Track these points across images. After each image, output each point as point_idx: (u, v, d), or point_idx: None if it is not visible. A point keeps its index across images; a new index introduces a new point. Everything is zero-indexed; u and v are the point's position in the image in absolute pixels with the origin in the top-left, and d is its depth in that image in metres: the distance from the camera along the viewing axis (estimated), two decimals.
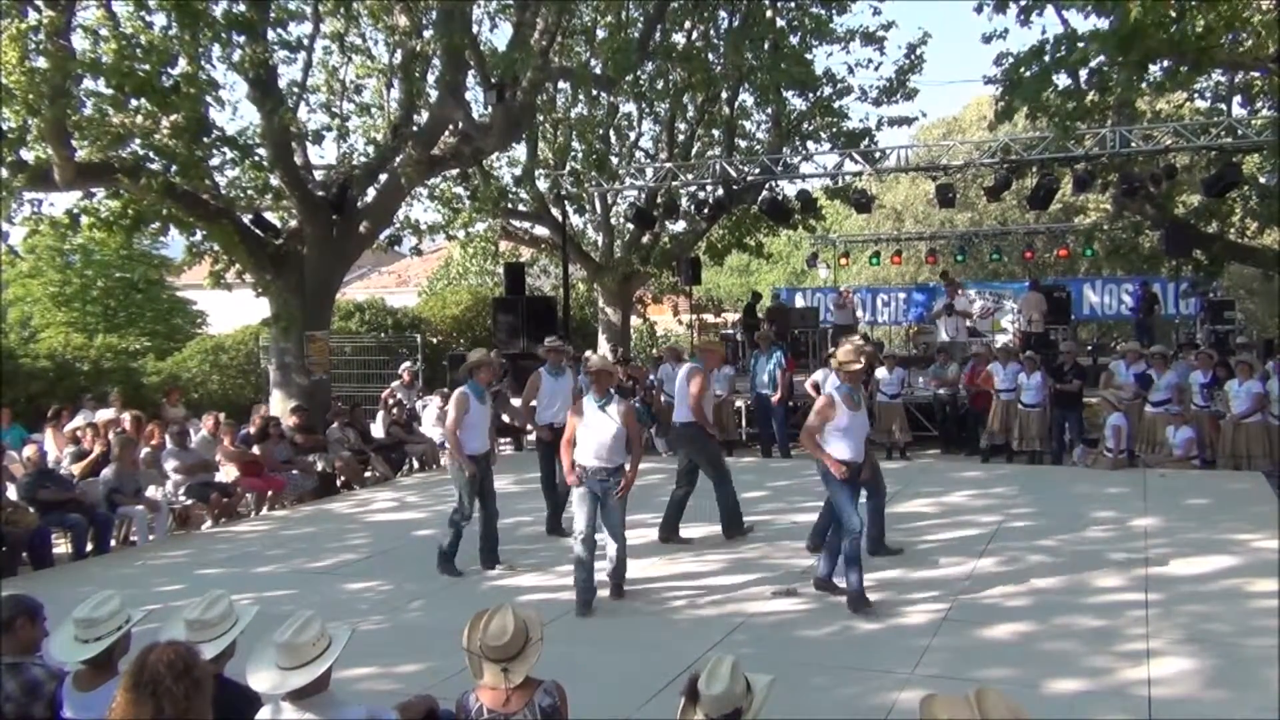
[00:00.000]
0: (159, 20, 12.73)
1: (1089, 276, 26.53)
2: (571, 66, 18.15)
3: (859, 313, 22.98)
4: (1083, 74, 14.86)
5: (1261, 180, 18.42)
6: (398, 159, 14.66)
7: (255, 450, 11.37)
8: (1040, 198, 17.06)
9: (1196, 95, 19.18)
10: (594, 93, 19.55)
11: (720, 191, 18.89)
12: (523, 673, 3.23)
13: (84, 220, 13.81)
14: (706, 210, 19.62)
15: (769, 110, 20.84)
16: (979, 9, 15.10)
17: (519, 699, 3.24)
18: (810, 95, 20.12)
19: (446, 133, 14.85)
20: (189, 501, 10.39)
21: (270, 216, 14.91)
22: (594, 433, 6.62)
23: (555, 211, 20.20)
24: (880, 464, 8.59)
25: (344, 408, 13.50)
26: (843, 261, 27.92)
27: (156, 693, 2.78)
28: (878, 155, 18.54)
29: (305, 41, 15.02)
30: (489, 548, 7.93)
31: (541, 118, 19.46)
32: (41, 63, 11.07)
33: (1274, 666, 5.23)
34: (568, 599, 6.61)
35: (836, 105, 20.50)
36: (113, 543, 9.59)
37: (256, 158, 13.96)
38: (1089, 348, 20.62)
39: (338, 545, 9.05)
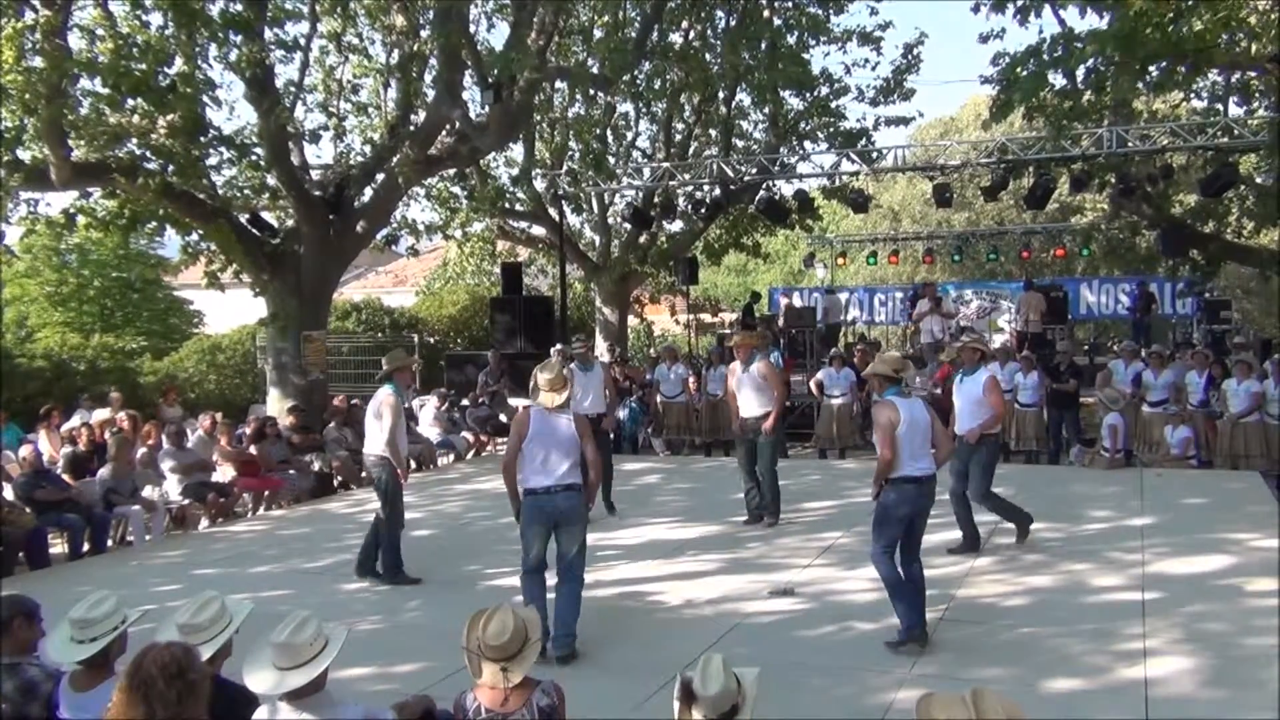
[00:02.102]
0: (155, 20, 12.76)
1: (1086, 276, 26.55)
2: (569, 66, 18.16)
3: (849, 313, 22.94)
4: (1079, 74, 14.87)
5: (1258, 180, 18.46)
6: (395, 158, 14.66)
7: (252, 450, 11.35)
8: (1037, 198, 17.08)
9: (1193, 95, 19.20)
10: (591, 92, 19.57)
11: (717, 191, 18.91)
12: (521, 672, 3.23)
13: (80, 220, 13.83)
14: (704, 210, 19.63)
15: (766, 110, 20.86)
16: (976, 9, 15.10)
17: (517, 699, 3.24)
18: (807, 95, 20.13)
19: (444, 132, 14.85)
20: (185, 501, 10.36)
21: (267, 216, 14.91)
22: (544, 443, 5.79)
23: (552, 211, 20.21)
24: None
25: (340, 407, 13.47)
26: (840, 261, 27.94)
27: (149, 695, 2.79)
28: (875, 155, 18.56)
29: (302, 41, 15.05)
30: (372, 556, 7.66)
31: (539, 117, 19.47)
32: (38, 62, 11.07)
33: (1271, 666, 5.24)
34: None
35: (833, 105, 20.52)
36: (109, 543, 9.56)
37: (253, 157, 13.97)
38: (1086, 347, 20.66)
39: (335, 545, 9.03)
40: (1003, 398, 8.04)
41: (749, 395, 8.96)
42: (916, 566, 5.87)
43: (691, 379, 14.81)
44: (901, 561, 5.81)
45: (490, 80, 14.29)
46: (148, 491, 10.11)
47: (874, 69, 20.45)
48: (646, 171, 20.07)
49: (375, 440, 7.53)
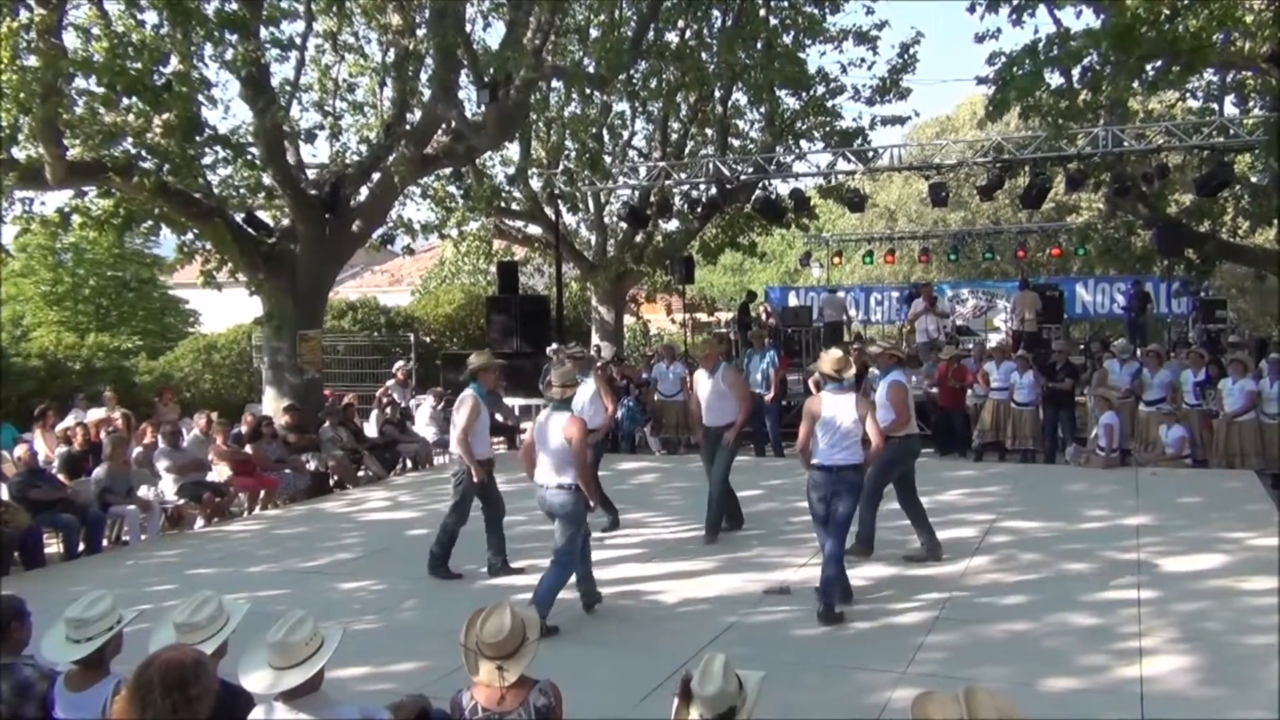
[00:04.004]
0: (150, 18, 12.70)
1: (1082, 275, 26.60)
2: (565, 65, 18.14)
3: (846, 313, 22.88)
4: (1075, 73, 14.88)
5: (1253, 179, 18.49)
6: (390, 158, 14.63)
7: (248, 449, 11.33)
8: (1033, 197, 17.09)
9: (1188, 95, 19.24)
10: (587, 92, 19.53)
11: (713, 190, 18.88)
12: (518, 671, 3.23)
13: (75, 219, 13.79)
14: (700, 209, 19.62)
15: (762, 109, 20.83)
16: (971, 8, 15.07)
17: (514, 698, 3.24)
18: (803, 94, 20.12)
19: (439, 131, 14.82)
20: (181, 501, 10.34)
21: (263, 215, 14.87)
22: (540, 444, 6.43)
23: (548, 210, 20.18)
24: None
25: (337, 406, 13.45)
26: (836, 260, 27.96)
27: (145, 701, 2.78)
28: (871, 154, 18.57)
29: (298, 40, 14.99)
30: (501, 551, 7.75)
31: (534, 116, 19.42)
32: (33, 61, 11.02)
33: (1267, 664, 5.26)
34: (563, 599, 6.59)
35: (829, 104, 20.49)
36: (105, 542, 9.54)
37: (249, 156, 13.92)
38: (1081, 347, 20.69)
39: (331, 545, 9.03)
40: (906, 402, 7.78)
41: (715, 404, 8.72)
42: (829, 544, 6.38)
43: (689, 377, 14.78)
44: (818, 537, 6.61)
45: (486, 79, 14.26)
46: (143, 491, 10.09)
47: (870, 68, 20.47)
48: (643, 170, 20.06)
49: (453, 438, 7.77)
